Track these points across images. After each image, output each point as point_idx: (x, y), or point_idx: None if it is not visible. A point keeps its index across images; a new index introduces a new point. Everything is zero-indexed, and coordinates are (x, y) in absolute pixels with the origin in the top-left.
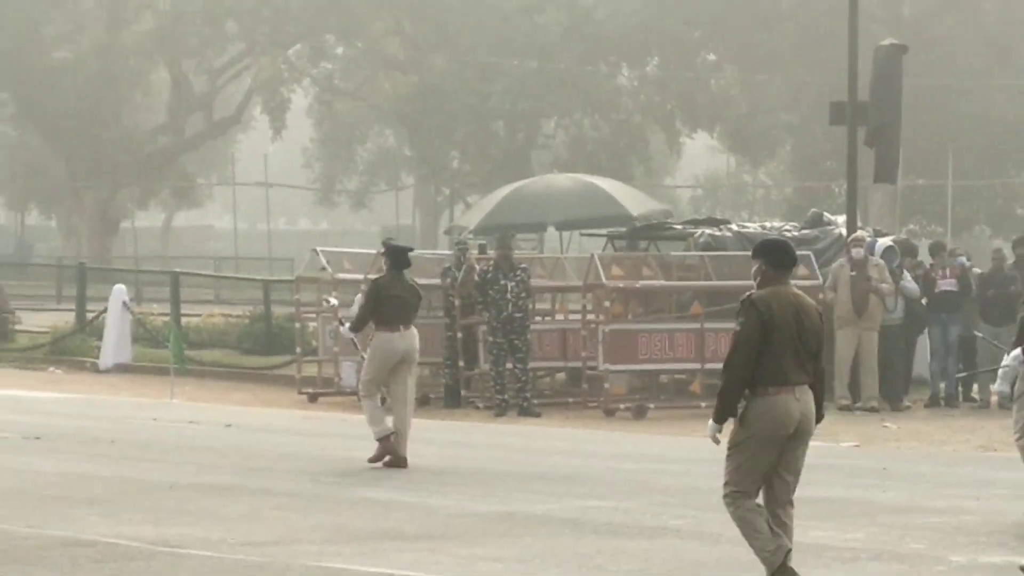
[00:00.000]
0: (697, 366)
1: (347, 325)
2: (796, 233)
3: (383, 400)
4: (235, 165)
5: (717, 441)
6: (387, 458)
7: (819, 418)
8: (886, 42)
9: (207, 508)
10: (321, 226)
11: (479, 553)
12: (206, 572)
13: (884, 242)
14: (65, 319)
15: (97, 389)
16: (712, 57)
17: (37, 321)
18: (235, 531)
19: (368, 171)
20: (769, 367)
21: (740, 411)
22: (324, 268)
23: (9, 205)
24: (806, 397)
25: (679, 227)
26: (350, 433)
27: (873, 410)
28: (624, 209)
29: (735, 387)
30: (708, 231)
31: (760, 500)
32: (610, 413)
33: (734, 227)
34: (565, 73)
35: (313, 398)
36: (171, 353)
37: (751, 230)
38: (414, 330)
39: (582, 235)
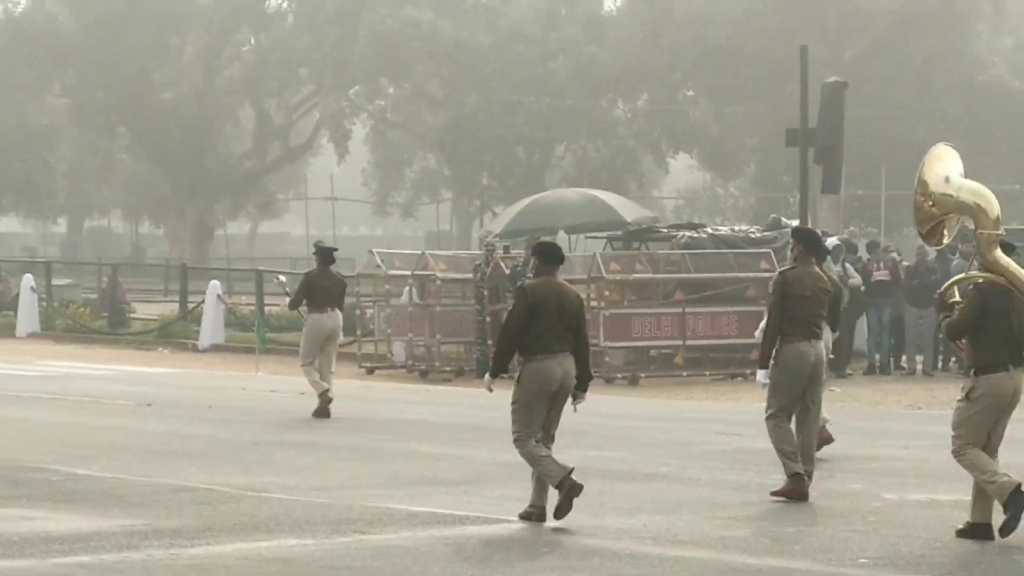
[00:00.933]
0: (680, 342)
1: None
2: (758, 235)
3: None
4: (307, 183)
5: (491, 389)
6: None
7: (588, 377)
8: (830, 80)
9: (284, 460)
10: (377, 232)
11: (506, 494)
12: (284, 511)
13: (832, 241)
14: (171, 309)
15: (196, 365)
16: (690, 93)
17: (148, 311)
18: (307, 478)
19: (414, 187)
20: (537, 339)
21: (517, 373)
22: (379, 266)
23: (126, 217)
24: (567, 362)
25: (664, 230)
26: (401, 399)
27: None
28: (620, 216)
29: (506, 351)
30: (688, 233)
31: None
32: (609, 381)
33: (709, 230)
34: (572, 107)
35: (370, 371)
36: (256, 336)
37: (723, 232)
38: (338, 312)
39: (586, 237)
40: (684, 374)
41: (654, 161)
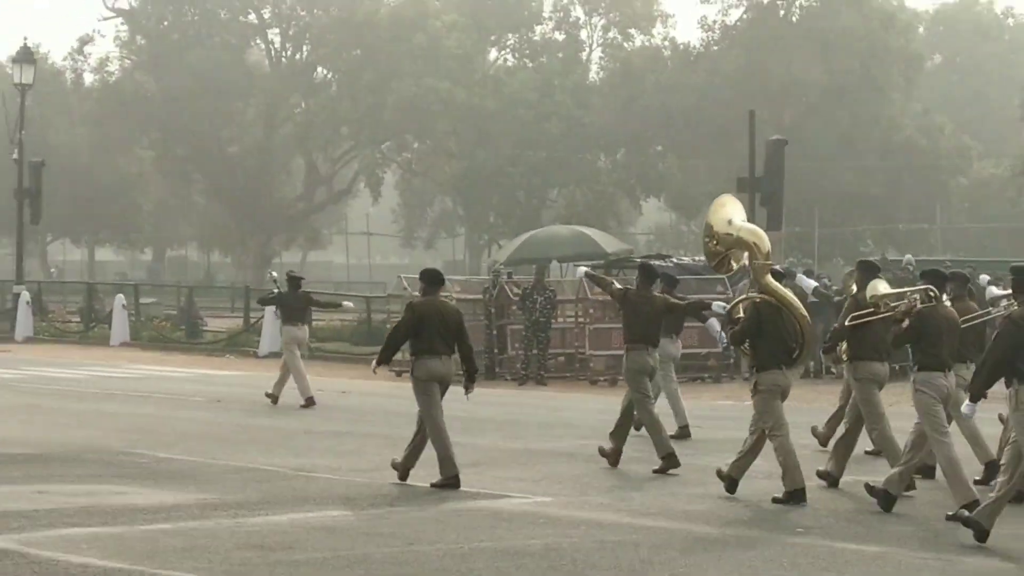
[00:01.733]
0: None
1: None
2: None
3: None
4: (347, 220)
5: (375, 372)
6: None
7: (474, 371)
8: (773, 138)
9: (328, 446)
10: (404, 261)
11: (508, 475)
12: (328, 488)
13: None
14: (236, 323)
15: (257, 369)
16: (659, 148)
17: (218, 325)
18: (347, 461)
19: (434, 224)
20: (425, 343)
21: (413, 371)
22: (405, 288)
23: (200, 248)
24: (448, 362)
25: (638, 260)
26: None
27: None
28: (602, 248)
29: (390, 348)
30: (656, 262)
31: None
32: (593, 383)
33: (674, 260)
34: (563, 160)
35: (399, 374)
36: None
37: (685, 262)
38: (306, 327)
39: (574, 265)
40: None
41: (630, 203)
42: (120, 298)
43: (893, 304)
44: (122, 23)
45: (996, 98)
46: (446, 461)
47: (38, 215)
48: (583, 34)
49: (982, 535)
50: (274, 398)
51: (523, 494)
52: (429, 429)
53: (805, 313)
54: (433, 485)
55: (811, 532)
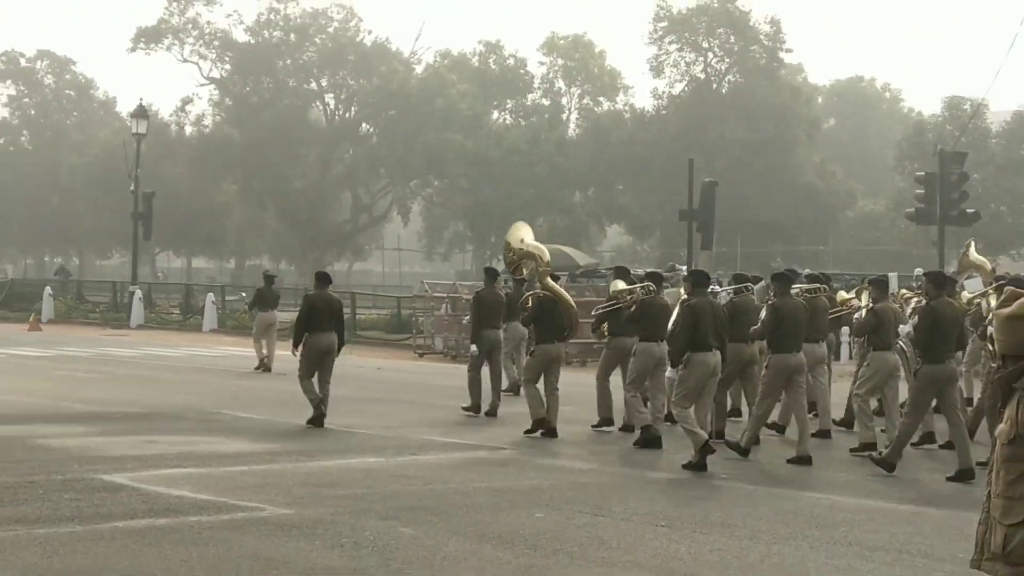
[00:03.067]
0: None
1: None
2: (662, 274)
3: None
4: (383, 239)
5: (295, 354)
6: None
7: (342, 344)
8: (706, 180)
9: (365, 409)
10: (427, 270)
11: (502, 432)
12: (366, 440)
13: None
14: (293, 315)
15: None
16: (620, 187)
17: (284, 317)
18: (380, 420)
19: (449, 243)
20: (315, 324)
21: (302, 345)
22: (426, 291)
23: (271, 259)
24: (332, 337)
25: (603, 271)
26: (439, 373)
27: None
28: (575, 262)
29: (299, 332)
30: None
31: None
32: (568, 363)
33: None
34: (548, 195)
35: (421, 355)
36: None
37: (640, 272)
38: (275, 312)
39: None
40: None
41: (597, 228)
42: (210, 296)
43: (627, 297)
44: (215, 88)
45: (876, 152)
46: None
47: (149, 233)
48: (563, 100)
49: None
50: (266, 366)
51: (513, 447)
52: (301, 380)
53: (573, 304)
54: (308, 422)
55: (732, 479)
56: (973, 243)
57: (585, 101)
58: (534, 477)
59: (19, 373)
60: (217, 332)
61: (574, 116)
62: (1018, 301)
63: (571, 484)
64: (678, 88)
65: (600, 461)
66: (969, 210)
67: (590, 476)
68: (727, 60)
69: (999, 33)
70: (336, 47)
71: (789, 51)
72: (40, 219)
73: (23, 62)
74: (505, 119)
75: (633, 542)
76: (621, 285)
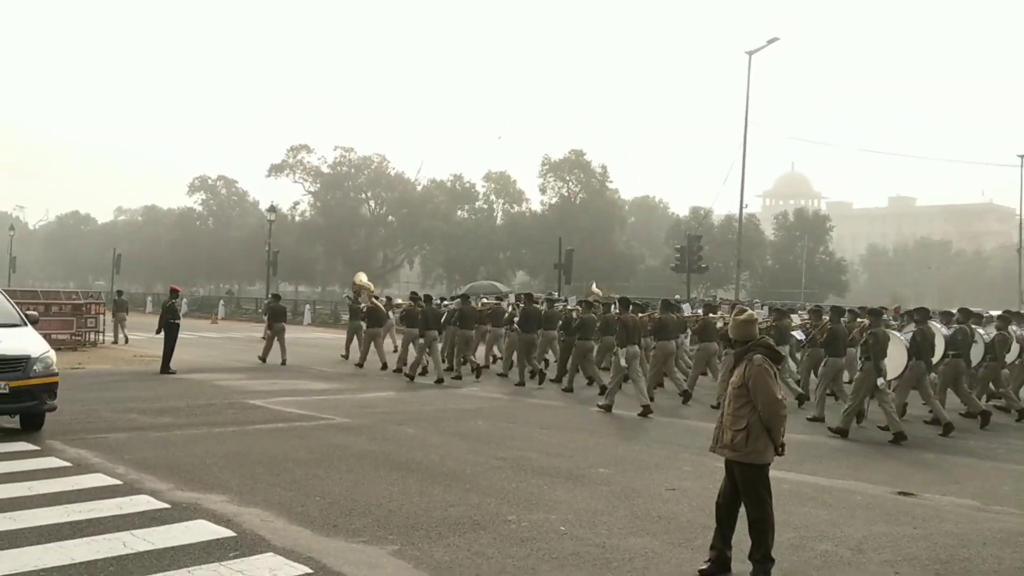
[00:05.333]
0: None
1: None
2: (545, 296)
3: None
4: (400, 277)
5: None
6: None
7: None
8: (568, 248)
9: (391, 373)
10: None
11: (467, 383)
12: (392, 382)
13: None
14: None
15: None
16: (524, 251)
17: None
18: (400, 378)
19: (435, 279)
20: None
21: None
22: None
23: (340, 287)
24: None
25: (511, 295)
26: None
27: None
28: (499, 290)
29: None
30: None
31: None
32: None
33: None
34: (486, 255)
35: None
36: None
37: (538, 296)
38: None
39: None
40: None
41: (512, 272)
42: (308, 307)
43: (372, 297)
44: (311, 197)
45: (656, 235)
46: None
47: (275, 271)
48: (494, 206)
49: None
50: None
51: (474, 387)
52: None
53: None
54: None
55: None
56: (595, 282)
57: (505, 206)
58: (487, 402)
59: (206, 346)
60: (311, 326)
61: (500, 214)
62: (747, 312)
63: (495, 407)
64: (554, 200)
65: (512, 395)
66: (703, 265)
67: (505, 403)
68: (579, 185)
69: (725, 165)
70: (375, 175)
71: (611, 181)
72: (217, 263)
73: (209, 181)
74: (464, 215)
75: (528, 437)
76: (364, 280)
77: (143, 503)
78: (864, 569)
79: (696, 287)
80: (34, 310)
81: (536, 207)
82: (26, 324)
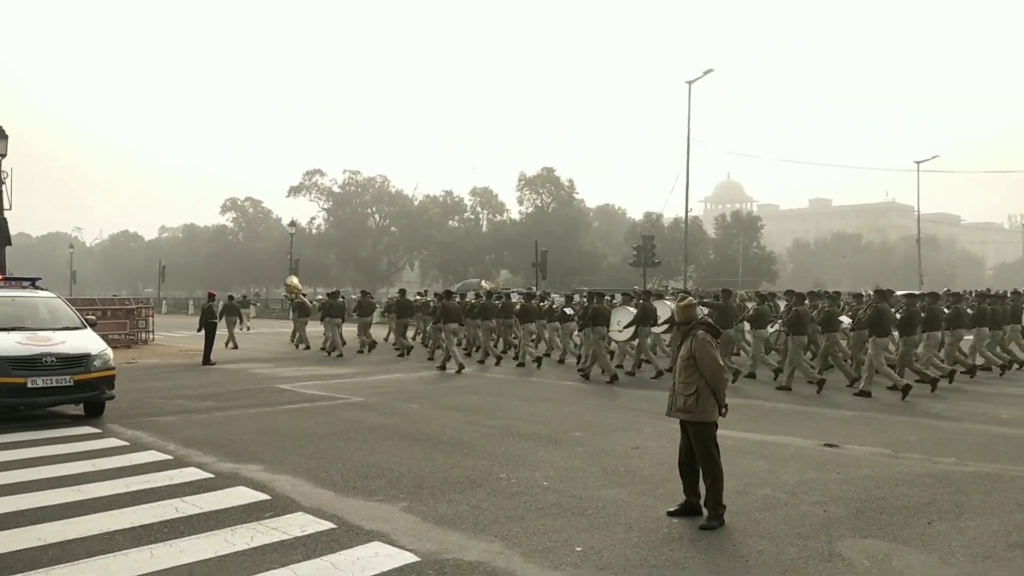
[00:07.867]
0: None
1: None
2: (525, 291)
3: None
4: (401, 277)
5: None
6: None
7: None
8: (543, 250)
9: (412, 360)
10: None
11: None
12: (411, 367)
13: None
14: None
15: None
16: (506, 253)
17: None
18: (417, 365)
19: (431, 279)
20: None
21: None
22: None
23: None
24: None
25: (500, 291)
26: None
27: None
28: (485, 288)
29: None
30: (509, 292)
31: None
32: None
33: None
34: (474, 257)
35: (415, 336)
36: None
37: (520, 291)
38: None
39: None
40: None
41: (496, 271)
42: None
43: (301, 293)
44: (325, 213)
45: (616, 235)
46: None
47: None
48: (480, 216)
49: None
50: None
51: (466, 366)
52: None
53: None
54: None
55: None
56: (483, 280)
57: (489, 216)
58: (479, 381)
59: (239, 339)
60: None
61: (485, 223)
62: (688, 299)
63: (484, 383)
64: (529, 210)
65: (509, 373)
66: (656, 260)
67: (497, 381)
68: (550, 197)
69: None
70: (379, 192)
71: (578, 192)
72: (246, 271)
73: (239, 202)
74: (454, 224)
75: (513, 408)
76: (295, 281)
77: (191, 474)
78: (798, 509)
79: (651, 279)
80: (92, 315)
81: (515, 216)
82: (86, 327)
